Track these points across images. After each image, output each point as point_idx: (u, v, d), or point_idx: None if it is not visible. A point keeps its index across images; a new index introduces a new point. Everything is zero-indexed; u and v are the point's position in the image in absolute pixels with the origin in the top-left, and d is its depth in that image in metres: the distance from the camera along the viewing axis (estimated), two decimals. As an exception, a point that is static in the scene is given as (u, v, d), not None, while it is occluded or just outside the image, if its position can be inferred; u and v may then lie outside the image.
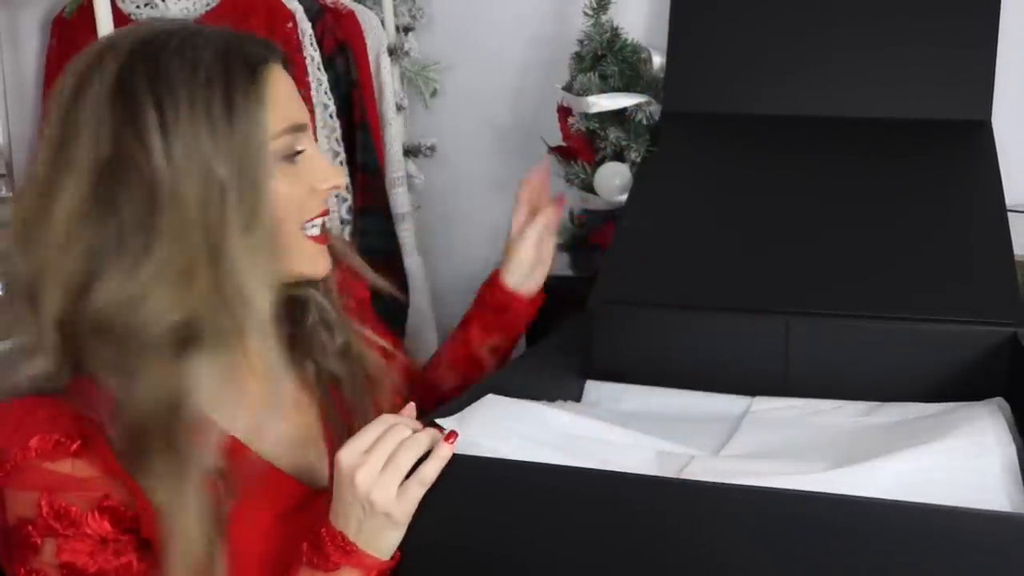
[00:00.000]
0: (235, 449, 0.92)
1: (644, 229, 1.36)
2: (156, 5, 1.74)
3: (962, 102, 1.42)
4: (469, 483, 0.83)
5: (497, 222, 2.10)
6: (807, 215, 1.34)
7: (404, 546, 0.85)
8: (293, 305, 1.00)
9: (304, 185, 0.92)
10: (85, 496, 0.84)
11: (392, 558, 0.84)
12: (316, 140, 0.95)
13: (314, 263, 0.96)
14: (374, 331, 1.09)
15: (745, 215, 1.36)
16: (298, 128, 0.91)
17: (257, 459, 0.93)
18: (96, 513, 0.84)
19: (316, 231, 0.95)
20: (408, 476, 0.83)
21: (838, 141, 1.44)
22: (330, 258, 0.98)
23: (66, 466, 0.84)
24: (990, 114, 1.43)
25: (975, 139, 1.39)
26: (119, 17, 1.61)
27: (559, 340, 1.23)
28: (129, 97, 0.84)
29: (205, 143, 0.84)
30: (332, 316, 1.02)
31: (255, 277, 0.86)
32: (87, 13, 1.58)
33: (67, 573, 0.83)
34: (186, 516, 0.84)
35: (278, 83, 0.90)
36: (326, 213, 0.96)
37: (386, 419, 0.85)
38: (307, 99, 1.62)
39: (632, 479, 0.80)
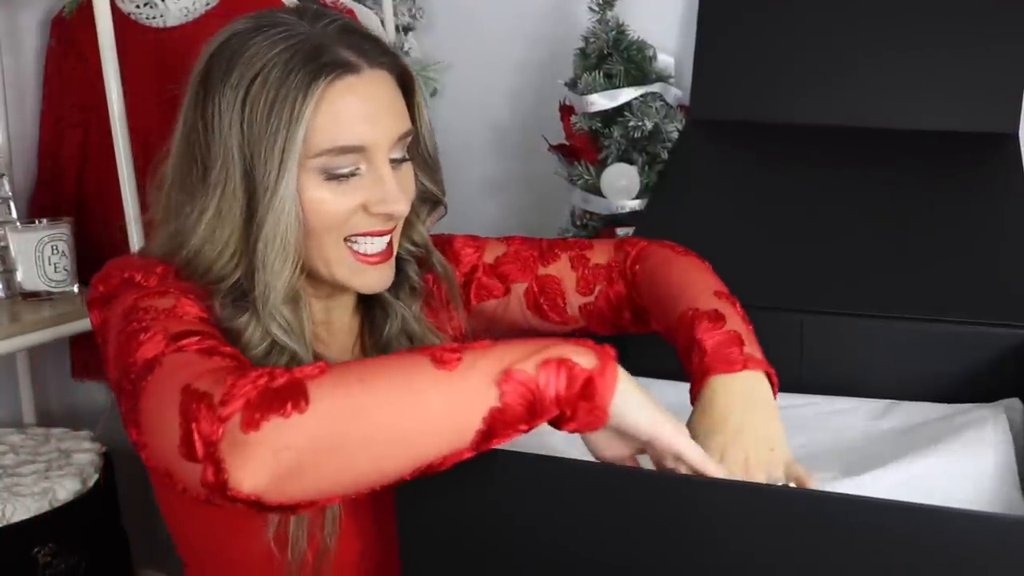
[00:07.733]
0: None
1: (664, 224, 1.36)
2: (156, 5, 1.74)
3: (989, 114, 1.44)
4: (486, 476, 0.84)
5: (497, 222, 2.11)
6: (827, 218, 1.35)
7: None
8: (376, 309, 1.05)
9: (351, 202, 0.94)
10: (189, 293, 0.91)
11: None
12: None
13: (356, 277, 0.98)
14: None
15: (764, 217, 1.37)
16: (348, 151, 0.93)
17: None
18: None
19: (370, 248, 0.97)
20: None
21: (862, 151, 1.45)
22: (385, 276, 0.99)
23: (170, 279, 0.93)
24: (1018, 127, 1.44)
25: (1001, 151, 1.40)
26: (119, 17, 1.61)
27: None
28: (205, 83, 0.93)
29: (235, 130, 0.90)
30: (415, 328, 1.05)
31: (272, 264, 0.91)
32: (87, 13, 1.57)
33: (177, 321, 0.85)
34: None
35: (342, 100, 0.92)
36: (383, 233, 0.97)
37: None
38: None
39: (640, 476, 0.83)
